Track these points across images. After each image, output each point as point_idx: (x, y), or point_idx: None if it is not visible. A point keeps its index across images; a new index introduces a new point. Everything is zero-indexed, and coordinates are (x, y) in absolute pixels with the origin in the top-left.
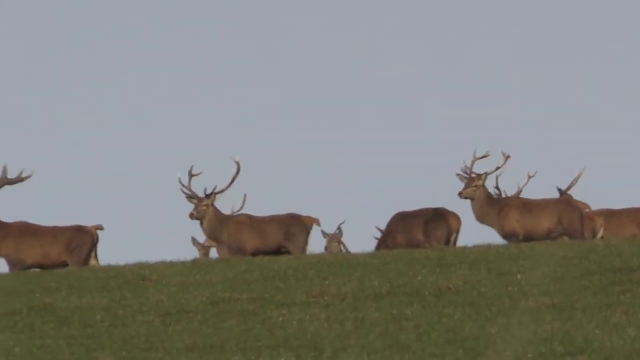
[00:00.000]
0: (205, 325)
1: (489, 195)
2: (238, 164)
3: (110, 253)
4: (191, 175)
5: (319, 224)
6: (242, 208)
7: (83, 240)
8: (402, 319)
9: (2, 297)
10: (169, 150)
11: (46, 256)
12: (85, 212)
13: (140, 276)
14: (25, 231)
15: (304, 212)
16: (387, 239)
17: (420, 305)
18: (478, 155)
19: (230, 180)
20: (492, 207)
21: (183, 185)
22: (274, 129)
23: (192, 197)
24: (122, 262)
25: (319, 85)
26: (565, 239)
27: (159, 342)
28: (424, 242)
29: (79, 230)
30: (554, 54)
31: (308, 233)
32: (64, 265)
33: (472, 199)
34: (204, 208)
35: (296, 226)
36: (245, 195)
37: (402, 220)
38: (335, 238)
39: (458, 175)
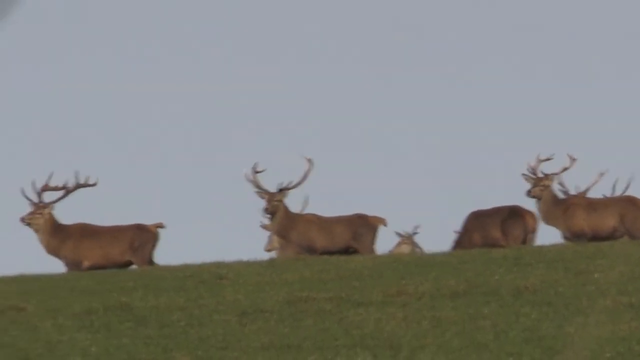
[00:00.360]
0: (281, 324)
1: (554, 195)
2: (310, 161)
3: (187, 252)
4: (255, 172)
5: (385, 224)
6: (303, 209)
7: (145, 238)
8: (479, 317)
9: (79, 296)
10: (241, 146)
11: (106, 256)
12: (157, 211)
13: (216, 275)
14: (85, 232)
15: (372, 212)
16: (462, 238)
17: (497, 304)
18: (542, 158)
19: (301, 177)
20: (557, 206)
21: (249, 181)
22: (343, 125)
23: (262, 192)
24: (198, 261)
25: (390, 82)
26: (626, 238)
27: (235, 341)
28: (501, 241)
29: (140, 228)
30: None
31: (375, 233)
32: (127, 265)
33: (539, 199)
34: (276, 203)
35: (363, 226)
36: (308, 197)
37: (477, 219)
38: (406, 239)
39: (523, 175)
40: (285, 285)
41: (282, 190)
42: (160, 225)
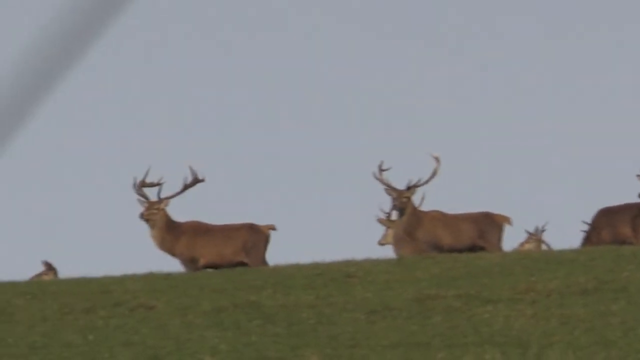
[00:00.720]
0: (410, 322)
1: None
2: (437, 159)
3: (315, 250)
4: (381, 170)
5: (510, 223)
6: (420, 206)
7: (257, 239)
8: (608, 315)
9: (208, 295)
10: (360, 145)
11: (220, 255)
12: (272, 210)
13: (346, 273)
14: (198, 230)
15: (498, 210)
16: (591, 235)
17: (626, 301)
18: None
19: (430, 174)
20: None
21: (377, 179)
22: (467, 123)
23: (390, 189)
24: (327, 259)
25: (520, 78)
26: None
27: (364, 339)
28: (631, 238)
29: (252, 229)
30: None
31: (501, 231)
32: (239, 264)
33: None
34: (405, 200)
35: (489, 224)
36: (424, 194)
37: (605, 216)
38: (533, 237)
39: (638, 175)
40: (414, 283)
41: (411, 188)
42: (272, 227)
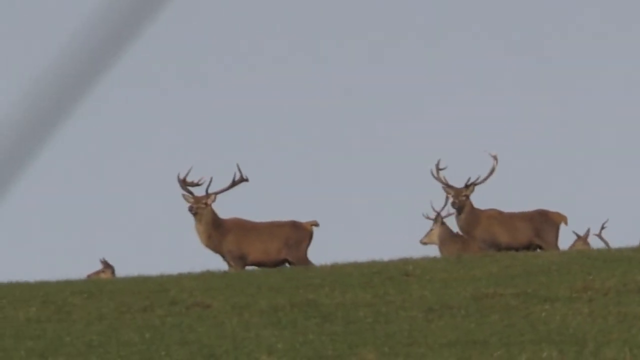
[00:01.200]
0: (467, 320)
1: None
2: (495, 157)
3: (374, 249)
4: (438, 169)
5: (566, 223)
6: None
7: (300, 236)
8: None
9: (266, 293)
10: (420, 142)
11: (266, 252)
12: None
13: (403, 271)
14: (243, 227)
15: (555, 208)
16: None
17: None
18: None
19: (488, 172)
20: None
21: (435, 177)
22: (523, 122)
23: (448, 186)
24: (385, 258)
25: (570, 76)
26: None
27: (422, 337)
28: None
29: (295, 226)
30: None
31: (557, 229)
32: (282, 262)
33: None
34: (464, 198)
35: (545, 222)
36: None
37: None
38: (582, 239)
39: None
40: (471, 282)
41: (469, 186)
42: (315, 224)
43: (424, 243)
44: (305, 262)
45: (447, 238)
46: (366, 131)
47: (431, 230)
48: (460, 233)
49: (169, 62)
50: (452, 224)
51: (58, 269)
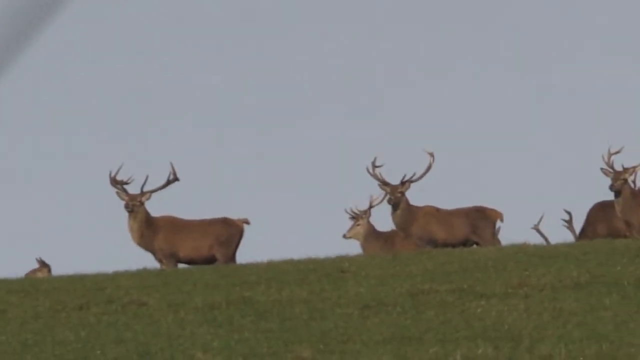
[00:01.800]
0: (403, 316)
1: (633, 191)
2: (432, 155)
3: (309, 246)
4: (374, 166)
5: (502, 220)
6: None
7: (231, 233)
8: (600, 308)
9: (202, 290)
10: (358, 140)
11: (197, 250)
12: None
13: (339, 268)
14: (175, 225)
15: (492, 204)
16: (587, 229)
17: (619, 295)
18: (612, 151)
19: (424, 170)
20: (635, 200)
21: (371, 174)
22: (462, 122)
23: (384, 184)
24: (321, 255)
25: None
26: None
27: (357, 334)
28: (625, 232)
29: (227, 223)
30: None
31: (494, 226)
32: (214, 260)
33: (618, 193)
34: (399, 195)
35: (482, 219)
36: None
37: (602, 210)
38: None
39: (602, 169)
40: (408, 278)
41: (405, 183)
42: (246, 221)
43: (346, 237)
44: (232, 260)
45: (370, 235)
46: (302, 127)
47: (357, 225)
48: (397, 229)
49: (97, 61)
50: (376, 222)
51: None
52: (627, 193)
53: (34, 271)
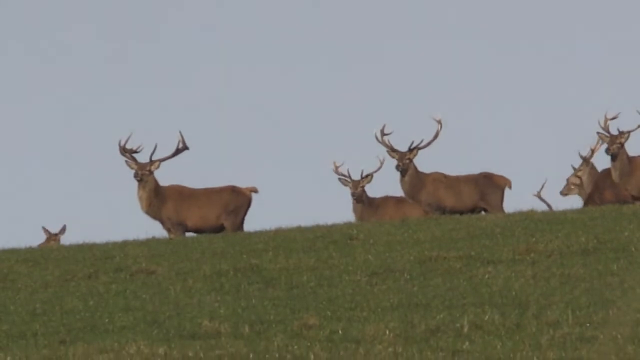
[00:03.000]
0: (411, 283)
1: (629, 156)
2: (439, 122)
3: (318, 213)
4: (383, 133)
5: (510, 187)
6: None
7: (239, 202)
8: (608, 274)
9: (209, 258)
10: (367, 108)
11: (204, 219)
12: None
13: (347, 235)
14: (182, 194)
15: (499, 171)
16: (594, 195)
17: (627, 260)
18: (609, 116)
19: (432, 136)
20: (631, 165)
21: (379, 142)
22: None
23: (392, 151)
24: (329, 222)
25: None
26: None
27: (364, 301)
28: (633, 198)
29: (235, 191)
30: None
31: (502, 192)
32: (222, 228)
33: (614, 157)
34: (407, 161)
35: (489, 186)
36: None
37: (609, 176)
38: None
39: (598, 133)
40: (416, 245)
41: (413, 150)
42: (254, 190)
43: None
44: (241, 228)
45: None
46: (308, 95)
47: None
48: (405, 196)
49: (104, 27)
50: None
51: (2, 237)
52: (624, 158)
53: (48, 240)
